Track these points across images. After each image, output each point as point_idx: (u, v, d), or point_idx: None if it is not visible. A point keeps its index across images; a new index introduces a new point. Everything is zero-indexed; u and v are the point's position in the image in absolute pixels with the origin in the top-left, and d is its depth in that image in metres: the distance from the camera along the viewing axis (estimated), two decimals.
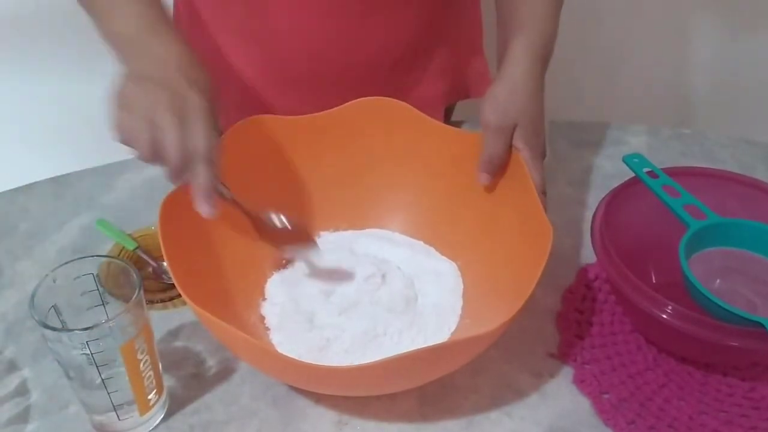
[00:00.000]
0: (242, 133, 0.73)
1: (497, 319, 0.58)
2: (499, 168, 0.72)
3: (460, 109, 1.03)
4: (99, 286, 0.60)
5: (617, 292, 0.73)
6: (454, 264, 0.77)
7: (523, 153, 0.71)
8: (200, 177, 0.58)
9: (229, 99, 0.80)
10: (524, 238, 0.68)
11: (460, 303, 0.73)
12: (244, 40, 0.85)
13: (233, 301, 0.71)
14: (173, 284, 0.75)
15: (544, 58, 0.74)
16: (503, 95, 0.72)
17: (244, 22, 0.83)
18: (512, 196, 0.72)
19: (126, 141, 0.59)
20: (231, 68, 0.88)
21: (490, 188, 0.74)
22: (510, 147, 0.71)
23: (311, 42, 0.83)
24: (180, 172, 0.59)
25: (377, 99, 0.77)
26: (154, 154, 0.58)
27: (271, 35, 0.83)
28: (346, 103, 0.77)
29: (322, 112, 0.76)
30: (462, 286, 0.74)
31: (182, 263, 0.62)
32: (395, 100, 0.77)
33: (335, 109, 0.77)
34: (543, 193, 0.69)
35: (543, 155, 0.72)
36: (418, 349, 0.57)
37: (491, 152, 0.71)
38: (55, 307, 0.58)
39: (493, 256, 0.73)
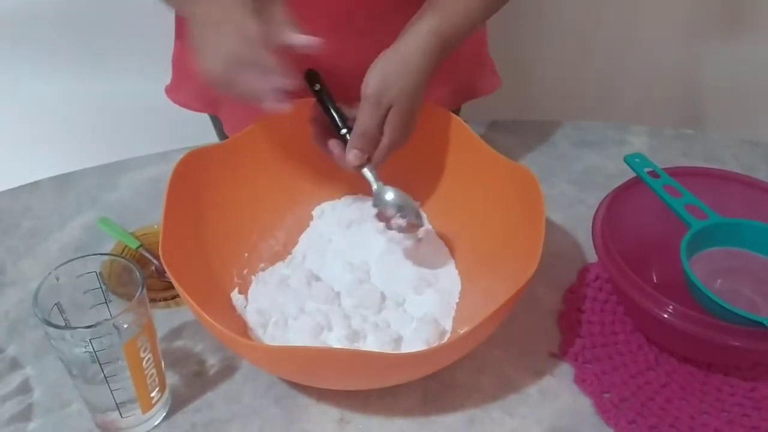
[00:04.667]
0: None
1: (503, 280, 0.59)
2: (371, 146, 0.70)
3: (465, 111, 1.03)
4: (102, 284, 0.60)
5: (618, 291, 0.73)
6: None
7: (383, 139, 0.69)
8: (249, 82, 0.63)
9: None
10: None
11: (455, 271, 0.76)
12: None
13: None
14: None
15: (444, 42, 0.71)
16: (390, 69, 0.69)
17: None
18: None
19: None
20: None
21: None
22: (382, 125, 0.69)
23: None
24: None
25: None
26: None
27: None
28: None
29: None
30: (453, 260, 0.77)
31: (180, 265, 0.63)
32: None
33: None
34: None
35: (403, 144, 0.71)
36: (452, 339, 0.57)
37: (364, 126, 0.69)
38: (58, 305, 0.58)
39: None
